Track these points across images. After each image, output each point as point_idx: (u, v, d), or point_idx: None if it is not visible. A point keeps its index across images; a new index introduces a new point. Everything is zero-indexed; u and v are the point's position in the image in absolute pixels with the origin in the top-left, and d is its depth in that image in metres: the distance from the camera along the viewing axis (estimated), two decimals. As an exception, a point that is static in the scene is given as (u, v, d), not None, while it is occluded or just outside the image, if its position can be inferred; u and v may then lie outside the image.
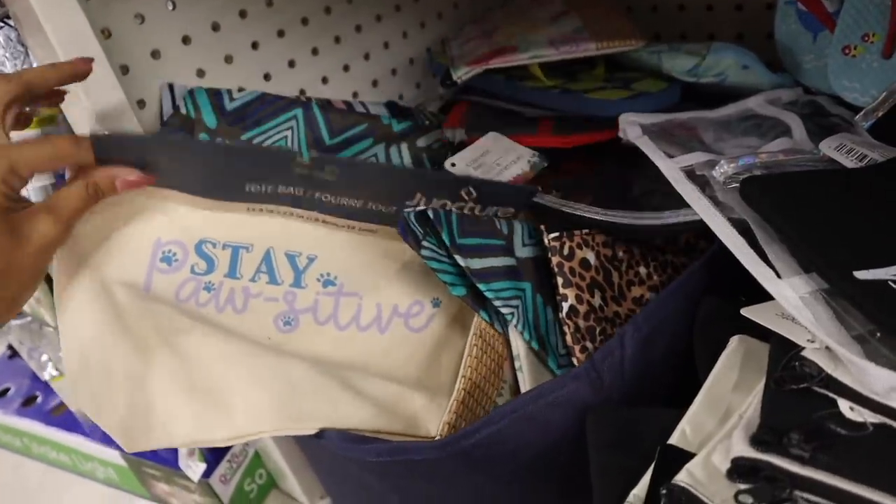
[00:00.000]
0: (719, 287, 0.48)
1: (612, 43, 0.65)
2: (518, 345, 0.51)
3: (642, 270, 0.55)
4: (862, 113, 0.54)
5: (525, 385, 0.51)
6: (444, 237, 0.49)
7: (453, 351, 0.55)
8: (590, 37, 0.65)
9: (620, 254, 0.54)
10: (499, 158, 0.59)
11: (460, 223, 0.50)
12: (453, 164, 0.59)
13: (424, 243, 0.49)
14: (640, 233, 0.52)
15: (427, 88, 0.86)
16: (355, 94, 0.77)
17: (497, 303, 0.49)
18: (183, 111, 0.58)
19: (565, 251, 0.50)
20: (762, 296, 0.41)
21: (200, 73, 0.62)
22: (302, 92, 0.71)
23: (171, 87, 0.59)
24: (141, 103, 0.58)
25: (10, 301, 0.42)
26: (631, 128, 0.55)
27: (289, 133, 0.61)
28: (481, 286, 0.48)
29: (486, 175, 0.57)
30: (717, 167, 0.47)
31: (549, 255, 0.50)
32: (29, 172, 0.42)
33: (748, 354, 0.44)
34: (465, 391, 0.49)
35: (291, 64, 0.70)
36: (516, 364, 0.51)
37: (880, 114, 0.53)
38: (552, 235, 0.51)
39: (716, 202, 0.45)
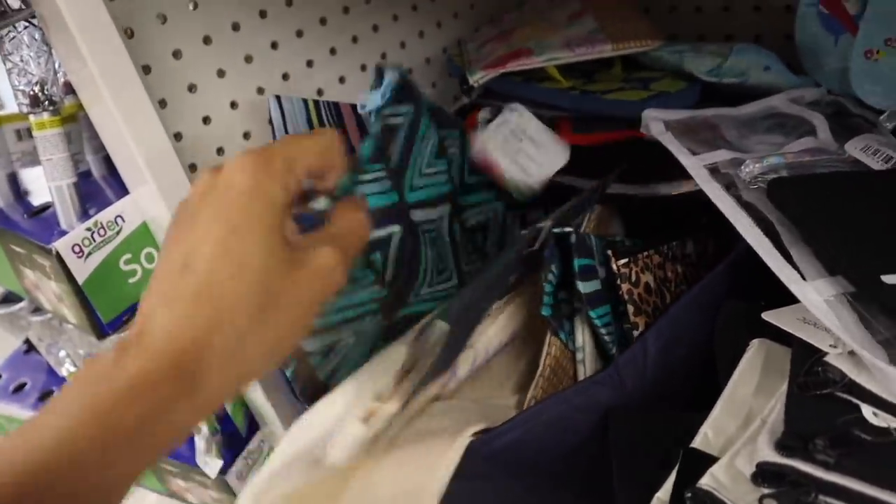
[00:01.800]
0: (741, 291, 0.47)
1: (628, 44, 0.64)
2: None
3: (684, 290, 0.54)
4: (886, 114, 0.54)
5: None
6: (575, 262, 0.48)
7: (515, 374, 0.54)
8: (606, 38, 0.65)
9: (669, 274, 0.53)
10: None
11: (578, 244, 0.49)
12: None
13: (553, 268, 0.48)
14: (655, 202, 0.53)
15: (444, 88, 0.86)
16: (373, 94, 0.78)
17: (602, 330, 0.48)
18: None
19: (633, 277, 0.49)
20: (783, 301, 0.41)
21: (221, 73, 0.63)
22: (320, 92, 0.72)
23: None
24: (162, 103, 0.58)
25: (288, 330, 0.35)
26: (654, 123, 0.55)
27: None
28: (592, 314, 0.48)
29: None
30: (742, 166, 0.47)
31: (619, 281, 0.49)
32: (305, 170, 0.37)
33: (769, 358, 0.44)
34: None
35: (310, 64, 0.70)
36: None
37: (904, 115, 0.53)
38: (622, 262, 0.49)
39: (740, 201, 0.45)
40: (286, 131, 0.62)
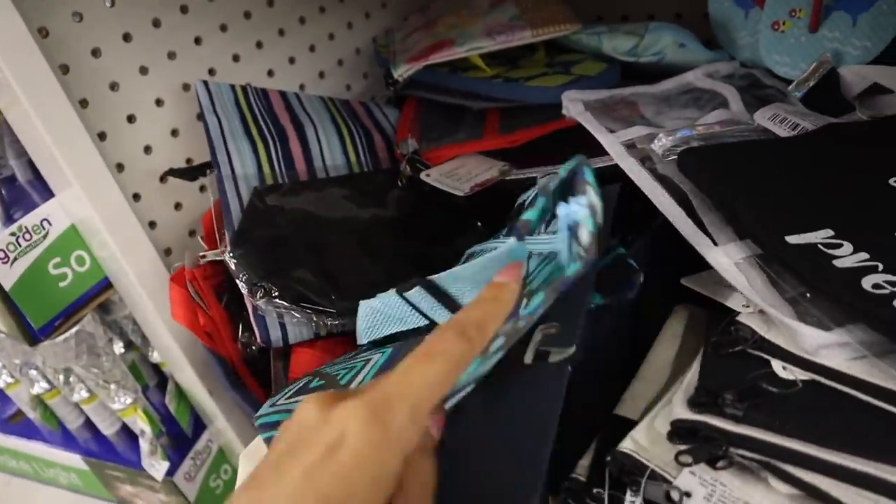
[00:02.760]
0: (663, 261, 0.49)
1: (546, 29, 0.65)
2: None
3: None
4: (794, 84, 0.55)
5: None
6: None
7: None
8: (526, 24, 0.66)
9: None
10: (471, 170, 0.60)
11: None
12: (428, 175, 0.60)
13: None
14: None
15: (376, 79, 0.86)
16: (302, 87, 0.77)
17: None
18: None
19: None
20: (705, 267, 0.42)
21: (143, 70, 0.62)
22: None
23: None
24: (83, 102, 0.58)
25: None
26: (574, 105, 0.56)
27: None
28: None
29: (456, 184, 0.58)
30: (655, 140, 0.48)
31: None
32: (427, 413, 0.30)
33: (691, 323, 0.46)
34: None
35: (236, 58, 0.70)
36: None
37: (811, 83, 0.55)
38: None
39: (655, 174, 0.46)
40: (216, 118, 0.62)
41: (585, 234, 0.36)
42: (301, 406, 0.30)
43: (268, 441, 0.43)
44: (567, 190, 0.42)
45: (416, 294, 0.44)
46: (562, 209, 0.37)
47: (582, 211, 0.36)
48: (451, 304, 0.44)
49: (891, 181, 0.43)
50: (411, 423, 0.28)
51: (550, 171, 0.55)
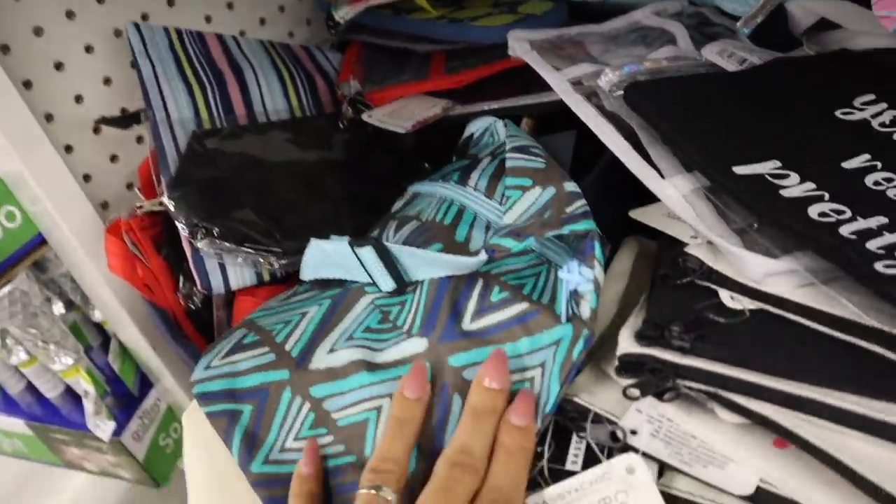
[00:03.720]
0: (611, 198, 0.48)
1: (491, -33, 0.63)
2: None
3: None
4: (742, 20, 0.55)
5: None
6: None
7: None
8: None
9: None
10: (414, 109, 0.58)
11: None
12: (370, 115, 0.58)
13: None
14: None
15: (318, 26, 0.83)
16: (242, 33, 0.74)
17: None
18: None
19: None
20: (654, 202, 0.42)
21: (70, 15, 0.59)
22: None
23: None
24: (5, 49, 0.55)
25: None
26: (520, 44, 0.55)
27: None
28: None
29: (398, 122, 0.56)
30: (602, 76, 0.47)
31: None
32: None
33: (640, 256, 0.45)
34: None
35: (171, 3, 0.67)
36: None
37: (759, 19, 0.54)
38: None
39: (602, 111, 0.45)
40: (150, 61, 0.59)
41: (587, 309, 0.36)
42: None
43: (209, 415, 0.42)
44: (561, 242, 0.41)
45: (367, 253, 0.43)
46: (564, 272, 0.36)
47: (587, 286, 0.36)
48: (396, 274, 0.43)
49: (836, 113, 0.43)
50: None
51: (495, 108, 0.54)
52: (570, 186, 0.39)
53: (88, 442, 0.73)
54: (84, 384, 0.69)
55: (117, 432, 0.70)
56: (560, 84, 0.48)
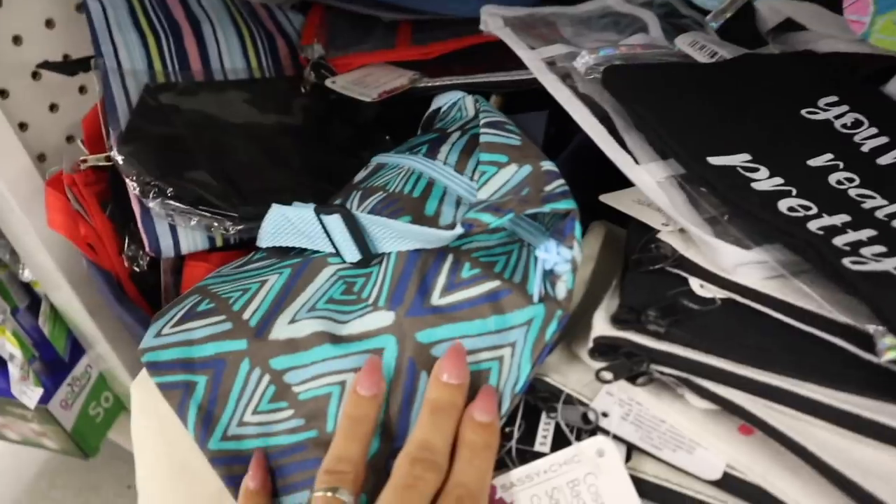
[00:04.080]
0: (582, 179, 0.48)
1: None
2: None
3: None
4: (712, 14, 0.56)
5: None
6: None
7: None
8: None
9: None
10: (380, 78, 0.57)
11: None
12: (334, 82, 0.56)
13: None
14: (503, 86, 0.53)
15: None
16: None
17: None
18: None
19: None
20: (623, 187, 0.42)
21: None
22: None
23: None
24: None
25: None
26: (493, 19, 0.54)
27: None
28: None
29: (364, 90, 0.54)
30: (578, 58, 0.47)
31: None
32: None
33: (607, 241, 0.45)
34: None
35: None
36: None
37: (728, 15, 0.55)
38: None
39: (577, 93, 0.45)
40: (100, 4, 0.55)
41: (563, 289, 0.35)
42: None
43: (161, 386, 0.40)
44: (534, 218, 0.40)
45: (334, 222, 0.41)
46: (542, 251, 0.35)
47: (564, 266, 0.35)
48: (362, 243, 0.42)
49: (802, 112, 0.44)
50: None
51: (464, 82, 0.53)
52: (548, 165, 0.39)
53: (11, 409, 0.69)
54: (10, 347, 0.65)
55: (44, 399, 0.67)
56: (534, 62, 0.48)
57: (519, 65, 0.50)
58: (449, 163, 0.46)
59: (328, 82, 0.56)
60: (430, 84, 0.55)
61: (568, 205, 0.35)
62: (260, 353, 0.39)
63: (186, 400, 0.39)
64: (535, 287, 0.36)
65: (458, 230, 0.36)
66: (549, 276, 0.36)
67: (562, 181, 0.37)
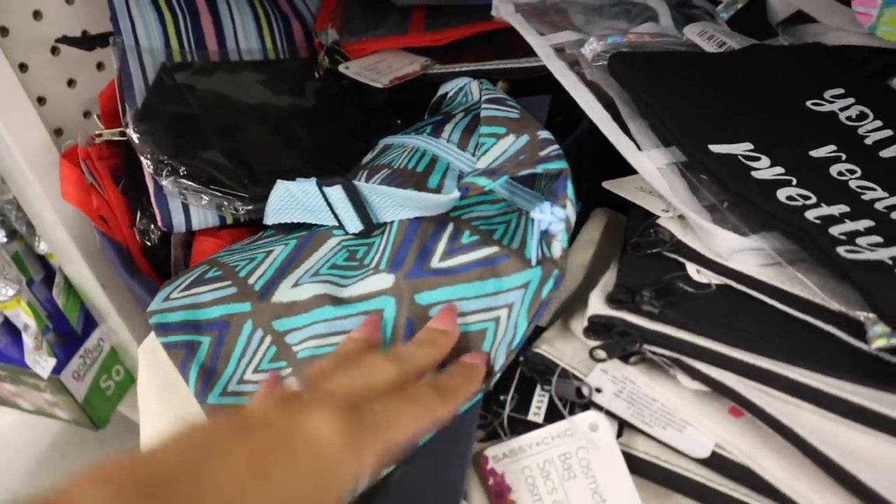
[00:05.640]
0: (582, 169, 0.48)
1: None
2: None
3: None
4: (723, 4, 0.56)
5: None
6: None
7: None
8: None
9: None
10: (392, 64, 0.57)
11: None
12: (347, 67, 0.57)
13: None
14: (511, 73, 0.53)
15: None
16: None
17: None
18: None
19: None
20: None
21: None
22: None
23: None
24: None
25: None
26: (504, 6, 0.54)
27: None
28: None
29: (376, 76, 0.55)
30: (586, 44, 0.47)
31: None
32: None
33: (608, 227, 0.46)
34: None
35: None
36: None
37: (739, 6, 0.55)
38: None
39: (584, 79, 0.45)
40: (127, 9, 0.56)
41: (558, 248, 0.36)
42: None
43: (166, 346, 0.41)
44: (527, 182, 0.41)
45: (336, 192, 0.42)
46: (536, 212, 0.36)
47: (559, 226, 0.36)
48: (364, 214, 0.43)
49: (807, 103, 0.44)
50: (381, 456, 0.29)
51: (474, 69, 0.54)
52: (544, 133, 0.39)
53: (25, 378, 0.71)
54: (25, 317, 0.67)
55: (57, 370, 0.68)
56: (543, 49, 0.48)
57: (528, 52, 0.50)
58: (452, 140, 0.47)
59: (341, 67, 0.57)
60: (441, 71, 0.56)
61: (559, 164, 0.36)
62: (263, 315, 0.40)
63: (189, 358, 0.40)
64: (533, 251, 0.37)
65: (455, 194, 0.37)
66: (545, 236, 0.36)
67: (556, 146, 0.38)
